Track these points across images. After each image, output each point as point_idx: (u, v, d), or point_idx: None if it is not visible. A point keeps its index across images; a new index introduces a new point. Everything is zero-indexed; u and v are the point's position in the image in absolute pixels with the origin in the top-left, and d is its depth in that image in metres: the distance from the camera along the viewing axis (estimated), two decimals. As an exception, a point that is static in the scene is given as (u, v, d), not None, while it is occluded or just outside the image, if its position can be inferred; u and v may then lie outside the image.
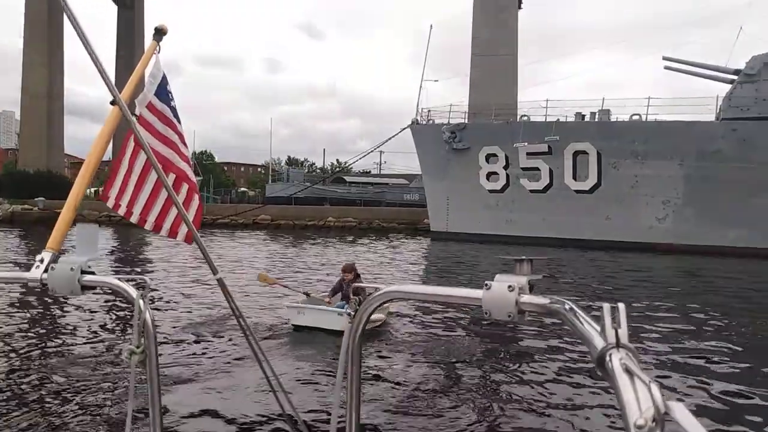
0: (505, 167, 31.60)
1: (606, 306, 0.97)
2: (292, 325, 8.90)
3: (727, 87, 28.35)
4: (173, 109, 2.87)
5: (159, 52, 2.78)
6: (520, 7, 38.52)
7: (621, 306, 0.96)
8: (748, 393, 6.36)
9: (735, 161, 26.15)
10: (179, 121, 2.89)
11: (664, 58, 30.15)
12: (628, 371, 0.84)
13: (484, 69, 36.41)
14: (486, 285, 1.21)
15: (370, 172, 79.06)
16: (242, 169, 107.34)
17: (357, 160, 62.39)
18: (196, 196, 2.69)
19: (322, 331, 8.37)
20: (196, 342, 7.76)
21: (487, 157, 31.93)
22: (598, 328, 0.97)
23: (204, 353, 7.21)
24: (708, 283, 17.29)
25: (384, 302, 1.43)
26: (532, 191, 31.11)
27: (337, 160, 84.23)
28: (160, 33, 2.74)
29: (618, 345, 0.91)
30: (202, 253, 2.17)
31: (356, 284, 8.79)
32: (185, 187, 2.66)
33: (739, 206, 26.30)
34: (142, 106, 2.78)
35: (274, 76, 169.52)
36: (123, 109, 2.03)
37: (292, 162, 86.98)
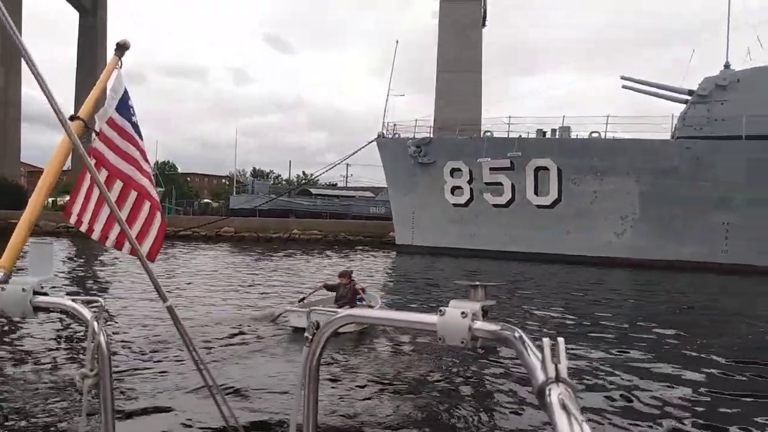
0: (469, 182, 32.05)
1: (546, 341, 1.00)
2: (292, 327, 9.54)
3: (682, 107, 29.46)
4: (135, 125, 2.87)
5: (121, 68, 2.78)
6: (484, 25, 39.36)
7: (561, 340, 0.99)
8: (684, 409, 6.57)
9: (689, 179, 27.11)
10: (141, 137, 2.88)
11: (622, 78, 31.17)
12: (565, 407, 0.88)
13: (449, 85, 36.98)
14: (440, 311, 1.21)
15: (336, 184, 79.01)
16: (206, 180, 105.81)
17: (323, 173, 62.65)
18: (159, 214, 2.69)
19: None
20: (153, 365, 7.41)
21: (452, 172, 32.34)
22: (540, 361, 0.99)
23: (162, 377, 6.90)
24: (652, 296, 17.83)
25: (342, 326, 1.44)
26: (495, 206, 31.60)
27: (304, 172, 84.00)
28: (122, 48, 2.74)
29: (557, 380, 0.95)
30: (150, 279, 2.09)
31: (358, 286, 9.49)
32: (147, 204, 2.66)
33: (692, 222, 27.23)
34: (102, 122, 2.77)
35: (241, 88, 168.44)
36: (69, 133, 1.88)
37: (257, 173, 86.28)
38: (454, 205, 32.75)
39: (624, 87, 31.13)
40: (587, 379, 7.62)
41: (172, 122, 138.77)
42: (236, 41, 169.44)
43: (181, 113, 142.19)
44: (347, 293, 10.48)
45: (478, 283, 1.27)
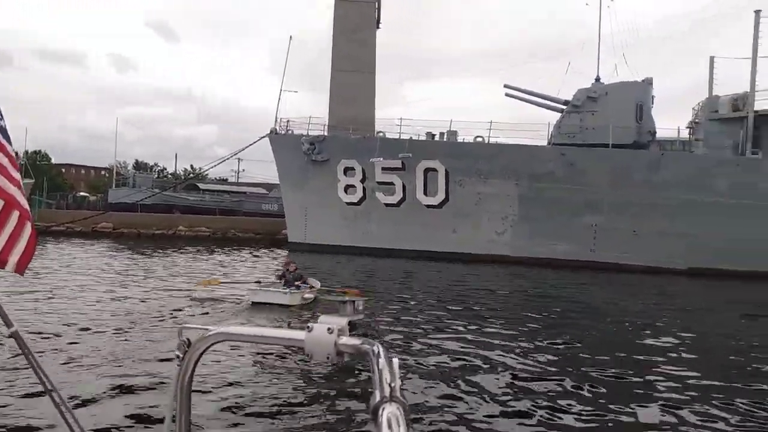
0: (362, 180, 32.49)
1: (382, 361, 1.06)
2: (251, 302, 12.85)
3: (558, 115, 31.77)
4: (2, 129, 2.73)
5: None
6: (378, 27, 39.95)
7: (395, 361, 1.07)
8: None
9: (563, 182, 29.31)
10: (9, 142, 2.74)
11: (505, 86, 33.01)
12: (390, 427, 0.94)
13: (343, 84, 37.14)
14: (308, 327, 1.23)
15: (227, 179, 76.50)
16: (83, 171, 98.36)
17: (213, 167, 60.47)
18: (29, 224, 2.57)
19: (272, 305, 12.53)
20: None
21: (345, 170, 32.61)
22: (383, 379, 1.04)
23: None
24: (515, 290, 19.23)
25: (214, 343, 1.40)
26: (387, 205, 32.28)
27: (192, 166, 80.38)
28: None
29: (391, 398, 0.99)
30: None
31: (299, 272, 12.13)
32: (16, 213, 2.53)
33: (565, 223, 29.48)
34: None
35: (124, 76, 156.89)
36: None
37: (140, 166, 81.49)
38: (347, 203, 33.05)
39: (507, 95, 33.00)
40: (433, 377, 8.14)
41: (45, 110, 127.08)
42: (119, 27, 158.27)
43: (56, 100, 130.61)
44: (292, 278, 13.72)
45: (347, 299, 1.38)
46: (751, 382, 8.47)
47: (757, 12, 29.19)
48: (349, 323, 1.27)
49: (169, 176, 75.49)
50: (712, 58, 31.93)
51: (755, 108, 29.03)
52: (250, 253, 31.54)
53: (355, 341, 1.21)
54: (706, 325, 13.70)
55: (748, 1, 37.90)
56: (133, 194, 43.98)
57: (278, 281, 14.04)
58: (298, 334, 1.26)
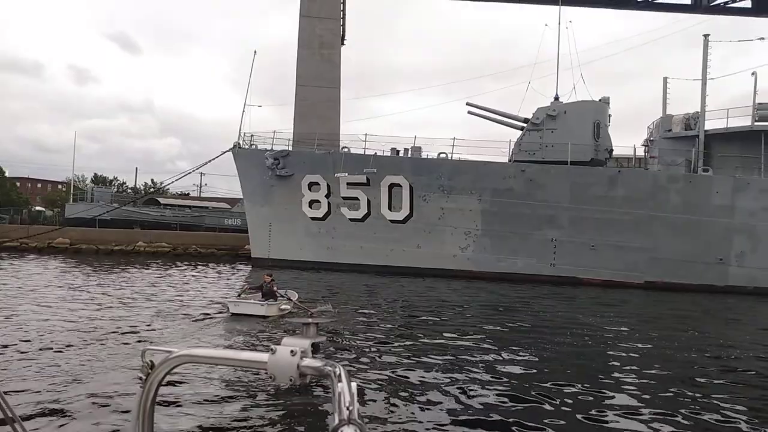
0: (327, 195, 32.49)
1: (342, 384, 1.10)
2: (231, 313, 13.88)
3: (519, 133, 32.48)
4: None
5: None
6: (343, 44, 40.31)
7: (354, 385, 1.11)
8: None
9: (523, 198, 29.91)
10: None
11: (468, 104, 33.62)
12: None
13: (308, 99, 37.26)
14: (271, 349, 1.23)
15: (189, 194, 75.36)
16: (39, 186, 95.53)
17: (174, 181, 59.22)
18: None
19: (251, 316, 13.53)
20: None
21: (310, 185, 32.56)
22: (342, 402, 1.07)
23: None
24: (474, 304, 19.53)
25: (176, 366, 1.40)
26: (351, 220, 32.32)
27: (152, 180, 78.92)
28: None
29: (349, 421, 1.02)
30: None
31: (275, 287, 12.51)
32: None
33: (526, 238, 30.05)
34: None
35: (83, 88, 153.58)
36: None
37: (98, 180, 79.59)
38: (312, 218, 32.96)
39: (469, 113, 33.60)
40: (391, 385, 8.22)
41: (1, 122, 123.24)
42: (79, 38, 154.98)
43: (10, 112, 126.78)
44: (269, 290, 14.54)
45: (310, 321, 1.38)
46: (696, 390, 8.82)
47: (706, 36, 30.61)
48: (313, 344, 1.29)
49: (129, 191, 73.97)
50: (665, 79, 33.29)
51: (706, 127, 30.34)
52: (213, 269, 31.10)
53: (317, 363, 1.23)
54: (656, 336, 14.14)
55: (698, 26, 39.70)
56: (92, 209, 42.90)
57: (256, 293, 14.83)
58: (261, 356, 1.26)
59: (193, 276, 26.17)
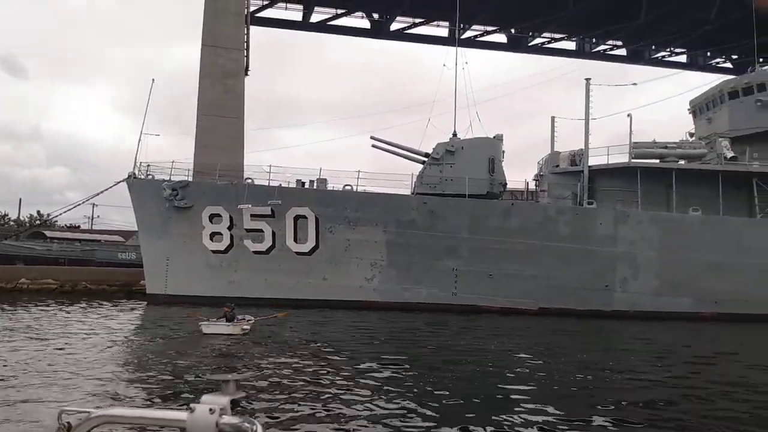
0: (230, 228, 31.68)
1: None
2: (204, 332, 17.51)
3: (420, 166, 33.53)
4: None
5: None
6: (246, 74, 39.97)
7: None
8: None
9: (425, 230, 30.78)
10: None
11: (372, 137, 34.36)
12: None
13: (209, 129, 36.42)
14: (190, 408, 1.24)
15: (80, 226, 70.63)
16: None
17: (62, 213, 54.67)
18: None
19: (218, 334, 17.17)
20: None
21: (211, 217, 31.63)
22: None
23: None
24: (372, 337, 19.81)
25: (95, 426, 1.37)
26: (255, 252, 31.66)
27: (38, 212, 73.24)
28: None
29: None
30: None
31: (236, 313, 18.58)
32: None
33: (428, 268, 30.84)
34: None
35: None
36: None
37: (-25, 212, 72.85)
38: (213, 251, 31.93)
39: (373, 146, 34.32)
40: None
41: None
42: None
43: None
44: (232, 317, 18.20)
45: (229, 377, 1.34)
46: (590, 410, 9.43)
47: (587, 80, 33.41)
48: (232, 401, 1.30)
49: (12, 223, 68.29)
50: (553, 118, 35.84)
51: (589, 163, 32.86)
52: (104, 306, 29.13)
53: (235, 420, 1.24)
54: (550, 360, 14.95)
55: (579, 71, 43.27)
56: (-35, 244, 39.14)
57: (222, 318, 18.23)
58: (180, 415, 1.27)
59: (78, 320, 24.41)
